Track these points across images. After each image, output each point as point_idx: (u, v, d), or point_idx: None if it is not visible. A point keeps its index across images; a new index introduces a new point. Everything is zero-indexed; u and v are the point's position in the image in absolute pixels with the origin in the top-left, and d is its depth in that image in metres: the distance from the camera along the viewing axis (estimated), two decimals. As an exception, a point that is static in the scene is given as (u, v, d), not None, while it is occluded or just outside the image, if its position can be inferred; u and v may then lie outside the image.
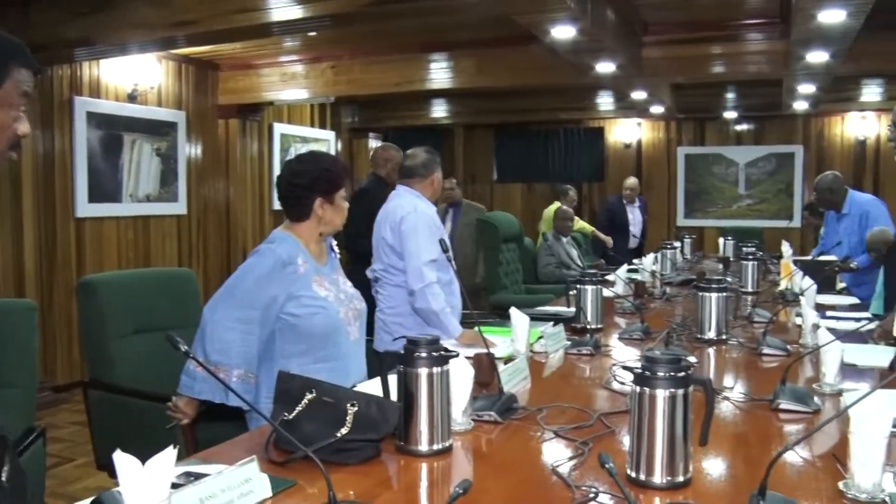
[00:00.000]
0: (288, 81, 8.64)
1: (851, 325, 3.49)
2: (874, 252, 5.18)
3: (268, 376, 2.68)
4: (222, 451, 2.02)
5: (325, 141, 10.72)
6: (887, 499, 1.65)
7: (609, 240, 9.07)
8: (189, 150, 8.53)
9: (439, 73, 8.23)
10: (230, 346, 2.68)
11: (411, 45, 7.99)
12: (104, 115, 7.45)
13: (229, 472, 1.64)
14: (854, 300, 4.86)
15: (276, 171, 9.59)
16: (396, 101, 10.76)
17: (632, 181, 8.90)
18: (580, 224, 9.23)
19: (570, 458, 1.93)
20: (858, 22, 5.37)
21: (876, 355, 3.08)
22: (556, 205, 9.37)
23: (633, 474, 1.76)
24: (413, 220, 3.73)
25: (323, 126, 10.79)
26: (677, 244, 7.22)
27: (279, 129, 9.82)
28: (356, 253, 5.28)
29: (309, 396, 1.99)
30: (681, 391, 1.71)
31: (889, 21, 6.43)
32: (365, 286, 3.97)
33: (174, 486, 1.53)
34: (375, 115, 11.46)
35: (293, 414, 1.98)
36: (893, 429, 1.72)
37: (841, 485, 1.72)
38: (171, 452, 1.37)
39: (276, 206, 3.04)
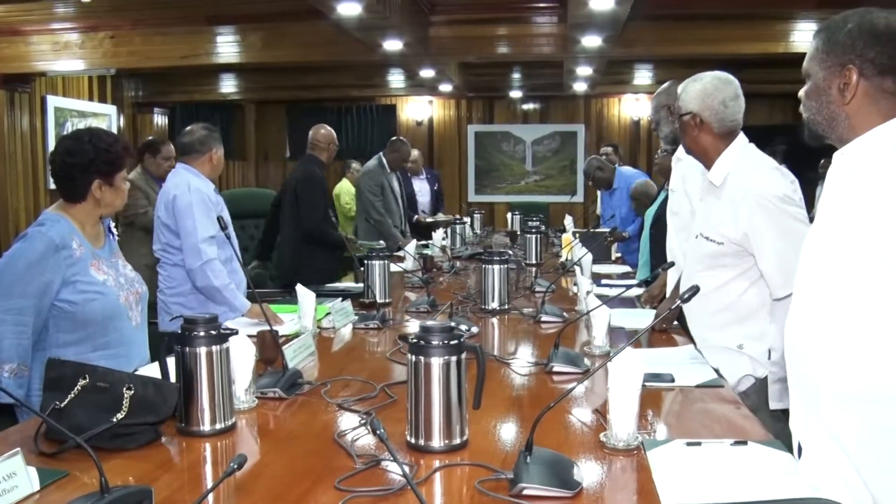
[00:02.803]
0: (61, 51, 8.08)
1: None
2: (635, 202, 5.76)
3: (40, 367, 2.51)
4: (-15, 447, 1.90)
5: (106, 116, 10.13)
6: (642, 445, 1.81)
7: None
8: (-54, 123, 7.80)
9: (226, 47, 7.99)
10: (0, 340, 2.51)
11: (196, 17, 7.70)
12: None
13: (-11, 468, 1.55)
14: (627, 268, 5.23)
15: (52, 146, 8.97)
16: (183, 74, 10.35)
17: (414, 153, 8.96)
18: None
19: (354, 429, 1.97)
20: (625, 10, 5.76)
21: (641, 318, 3.34)
22: (345, 181, 9.38)
23: (413, 440, 1.82)
24: (186, 198, 3.62)
25: (103, 100, 10.17)
26: (467, 219, 7.43)
27: (53, 101, 9.15)
28: (319, 239, 5.38)
29: (82, 382, 1.91)
30: (454, 358, 1.78)
31: (656, 10, 6.92)
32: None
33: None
34: (161, 90, 10.97)
35: (65, 402, 1.89)
36: (645, 383, 1.88)
37: (602, 436, 1.86)
38: None
39: (53, 184, 2.84)
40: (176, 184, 3.70)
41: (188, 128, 3.88)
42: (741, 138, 2.66)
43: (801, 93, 1.75)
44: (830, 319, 1.59)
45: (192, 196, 3.62)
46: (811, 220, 1.80)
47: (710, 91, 2.62)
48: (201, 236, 3.58)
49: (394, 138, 7.25)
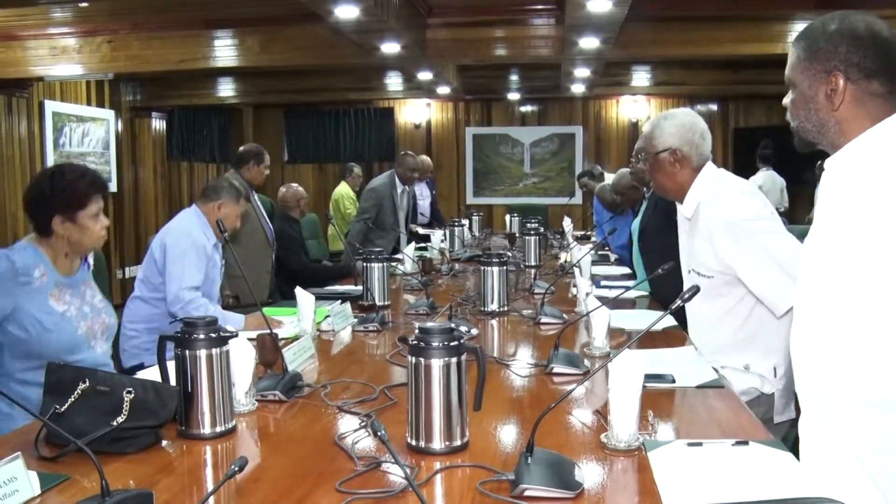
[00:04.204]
0: (59, 56, 8.07)
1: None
2: (623, 197, 5.58)
3: None
4: (-17, 452, 1.90)
5: (104, 120, 10.11)
6: (643, 446, 1.80)
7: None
8: (-59, 128, 7.79)
9: (223, 51, 7.98)
10: None
11: (194, 21, 7.69)
12: None
13: (-12, 472, 1.54)
14: (626, 270, 5.22)
15: (51, 151, 8.97)
16: (181, 78, 10.33)
17: (424, 159, 8.99)
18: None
19: (354, 431, 1.96)
20: (623, 11, 5.76)
21: (641, 319, 3.33)
22: (344, 185, 9.37)
23: (414, 442, 1.81)
24: (182, 244, 3.66)
25: (101, 104, 10.15)
26: (465, 222, 7.43)
27: (51, 106, 9.15)
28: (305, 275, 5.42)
29: (82, 386, 1.90)
30: (454, 360, 1.78)
31: (653, 12, 6.93)
32: None
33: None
34: (159, 94, 10.95)
35: (65, 406, 1.88)
36: (646, 384, 1.88)
37: (603, 437, 1.86)
38: None
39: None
40: (179, 226, 3.76)
41: (223, 175, 3.90)
42: (709, 167, 2.67)
43: (787, 101, 1.75)
44: (834, 325, 1.59)
45: (189, 244, 3.66)
46: (808, 222, 1.80)
47: (688, 125, 2.64)
48: (185, 285, 3.60)
49: (401, 153, 7.32)
